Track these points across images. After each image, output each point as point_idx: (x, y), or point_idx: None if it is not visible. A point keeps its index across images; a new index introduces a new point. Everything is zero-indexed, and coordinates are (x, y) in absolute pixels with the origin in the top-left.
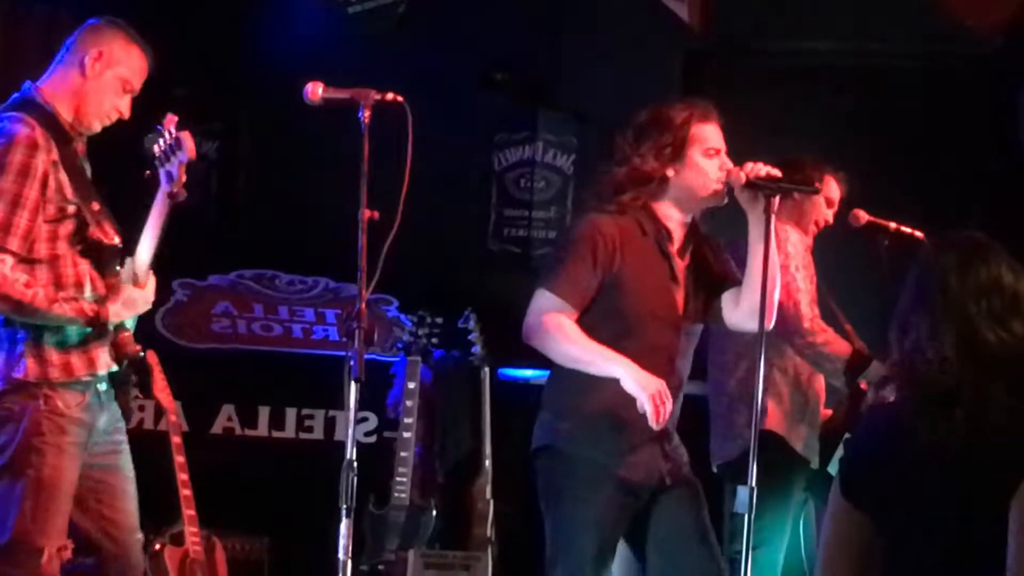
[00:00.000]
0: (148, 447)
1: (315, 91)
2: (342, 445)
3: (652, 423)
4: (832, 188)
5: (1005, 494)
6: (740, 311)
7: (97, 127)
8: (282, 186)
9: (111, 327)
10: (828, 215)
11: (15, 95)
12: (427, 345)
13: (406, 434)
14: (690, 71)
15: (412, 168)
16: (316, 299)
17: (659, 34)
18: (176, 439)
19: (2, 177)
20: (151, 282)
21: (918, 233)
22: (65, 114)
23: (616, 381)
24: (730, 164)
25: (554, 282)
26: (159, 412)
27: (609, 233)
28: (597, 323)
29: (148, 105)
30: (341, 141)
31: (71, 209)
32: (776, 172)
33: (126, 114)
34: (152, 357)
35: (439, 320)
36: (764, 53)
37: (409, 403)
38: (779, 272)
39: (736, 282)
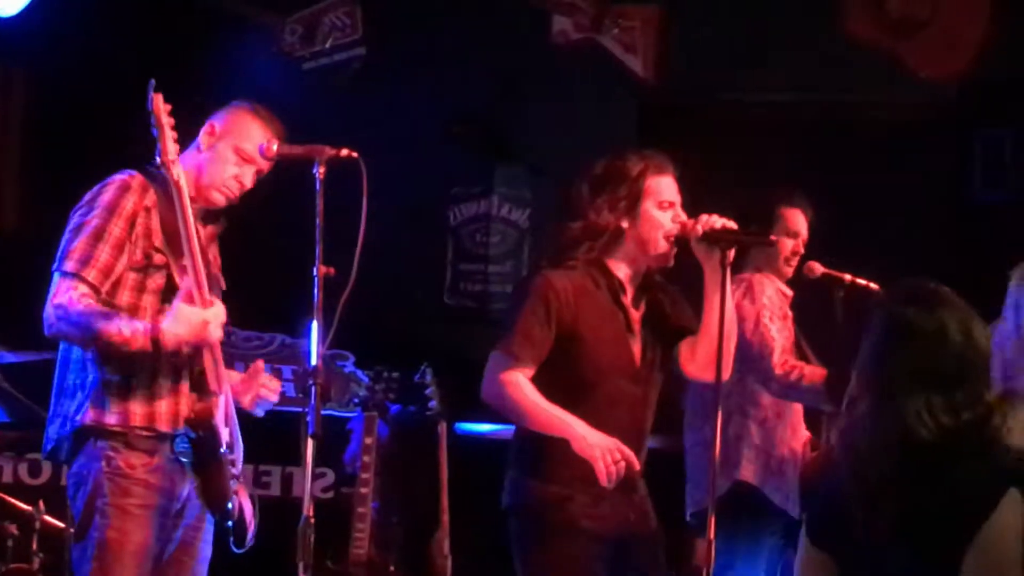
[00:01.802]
0: None
1: (269, 148)
2: (299, 501)
3: (602, 482)
4: (797, 220)
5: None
6: (696, 362)
7: (220, 199)
8: (238, 241)
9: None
10: (797, 245)
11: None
12: (384, 400)
13: (363, 490)
14: (645, 124)
15: (368, 223)
16: (272, 355)
17: (614, 88)
18: None
19: (90, 214)
20: (217, 305)
21: (873, 285)
22: (187, 185)
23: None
24: (684, 217)
25: (508, 340)
26: None
27: (561, 287)
28: (554, 379)
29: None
30: (297, 196)
31: (158, 259)
32: (731, 224)
33: (248, 184)
34: None
35: (396, 375)
36: (718, 105)
37: (366, 458)
38: (736, 323)
39: (692, 332)
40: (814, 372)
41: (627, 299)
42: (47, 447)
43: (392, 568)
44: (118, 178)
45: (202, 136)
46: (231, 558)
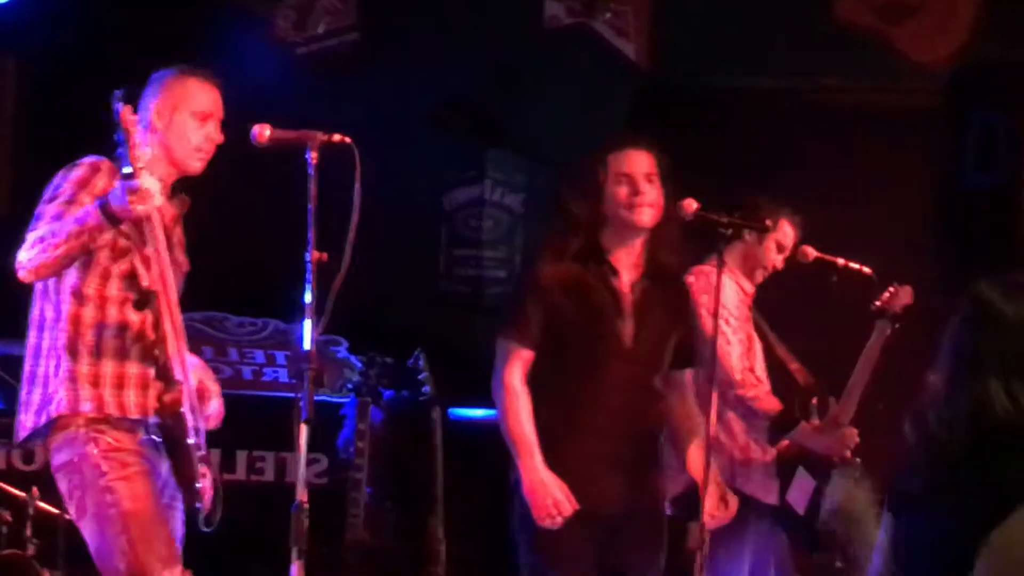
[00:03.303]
0: None
1: (262, 133)
2: (293, 487)
3: (537, 522)
4: (786, 233)
5: None
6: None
7: (199, 165)
8: (230, 228)
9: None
10: (778, 260)
11: None
12: (377, 386)
13: (357, 475)
14: (638, 109)
15: (361, 208)
16: (266, 341)
17: (607, 73)
18: None
19: (61, 187)
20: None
21: (866, 269)
22: (157, 169)
23: (570, 417)
24: (646, 187)
25: (507, 327)
26: None
27: (552, 274)
28: (548, 363)
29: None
30: (289, 182)
31: (122, 243)
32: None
33: (218, 138)
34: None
35: (389, 361)
36: (713, 90)
37: (360, 444)
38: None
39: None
40: (770, 401)
41: (621, 282)
42: (21, 435)
43: (386, 553)
44: (88, 160)
45: (153, 118)
46: (226, 543)
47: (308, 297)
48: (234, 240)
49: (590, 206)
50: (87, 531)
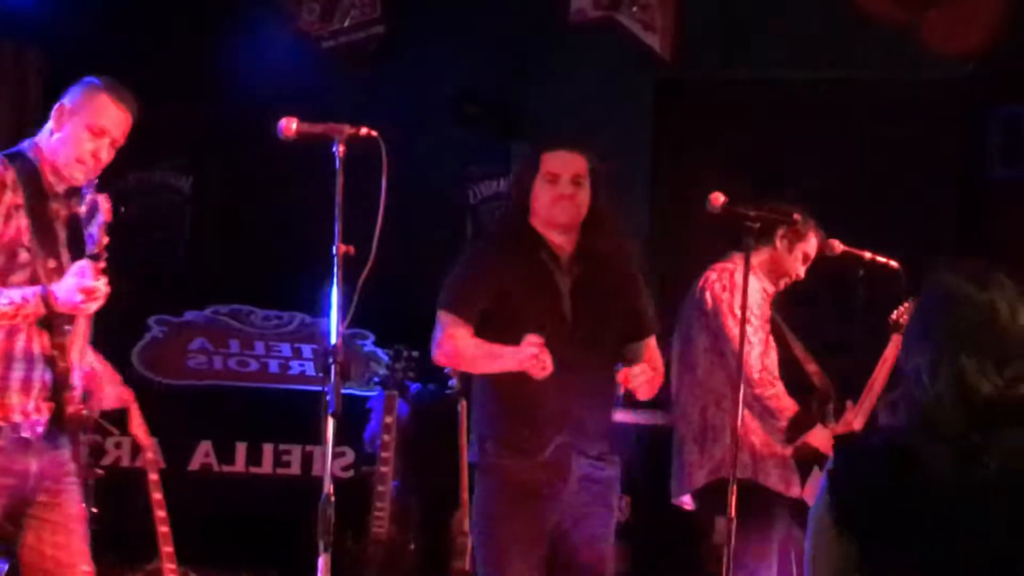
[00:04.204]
0: (125, 484)
1: (289, 126)
2: (319, 480)
3: (539, 376)
4: (812, 244)
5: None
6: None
7: (79, 177)
8: (256, 221)
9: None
10: (801, 271)
11: (14, 147)
12: (404, 379)
13: (383, 468)
14: (661, 102)
15: (387, 202)
16: (292, 334)
17: (630, 65)
18: (153, 476)
19: None
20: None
21: (893, 263)
22: (48, 171)
23: (518, 388)
24: (570, 190)
25: (448, 302)
26: (136, 449)
27: (491, 250)
28: (490, 340)
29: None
30: (315, 176)
31: (23, 257)
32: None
33: (104, 158)
34: (128, 394)
35: (415, 354)
36: (735, 83)
37: (386, 437)
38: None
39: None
40: (786, 401)
41: (560, 263)
42: None
43: (411, 546)
44: None
45: (53, 117)
46: (252, 535)
47: (334, 291)
48: (260, 234)
49: (522, 201)
50: None
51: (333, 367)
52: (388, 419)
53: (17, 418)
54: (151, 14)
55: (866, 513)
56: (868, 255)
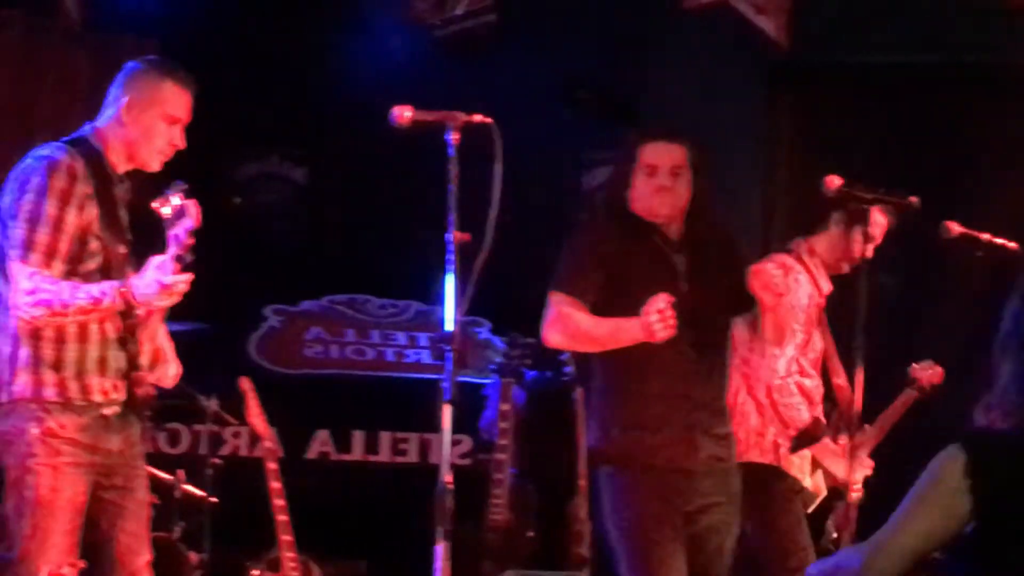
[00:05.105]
0: (244, 473)
1: (402, 114)
2: (437, 468)
3: (664, 337)
4: (877, 221)
5: None
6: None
7: (156, 165)
8: (371, 210)
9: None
10: (868, 250)
11: (74, 133)
12: (520, 366)
13: (501, 456)
14: (775, 86)
15: (501, 189)
16: (408, 322)
17: (744, 50)
18: (272, 465)
19: (45, 200)
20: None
21: (1012, 244)
22: (115, 157)
23: (638, 370)
24: (669, 182)
25: (560, 283)
26: (254, 438)
27: (600, 232)
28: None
29: (237, 133)
30: (429, 164)
31: (94, 245)
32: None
33: (181, 144)
34: (246, 383)
35: (531, 341)
36: (850, 66)
37: (503, 425)
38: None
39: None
40: (797, 416)
41: (672, 246)
42: None
43: (529, 534)
44: (63, 160)
45: (123, 112)
46: (370, 525)
47: (450, 278)
48: (375, 223)
49: (621, 194)
50: (6, 499)
51: (449, 355)
52: (504, 407)
53: (98, 397)
54: (265, 5)
55: (1006, 494)
56: (986, 237)
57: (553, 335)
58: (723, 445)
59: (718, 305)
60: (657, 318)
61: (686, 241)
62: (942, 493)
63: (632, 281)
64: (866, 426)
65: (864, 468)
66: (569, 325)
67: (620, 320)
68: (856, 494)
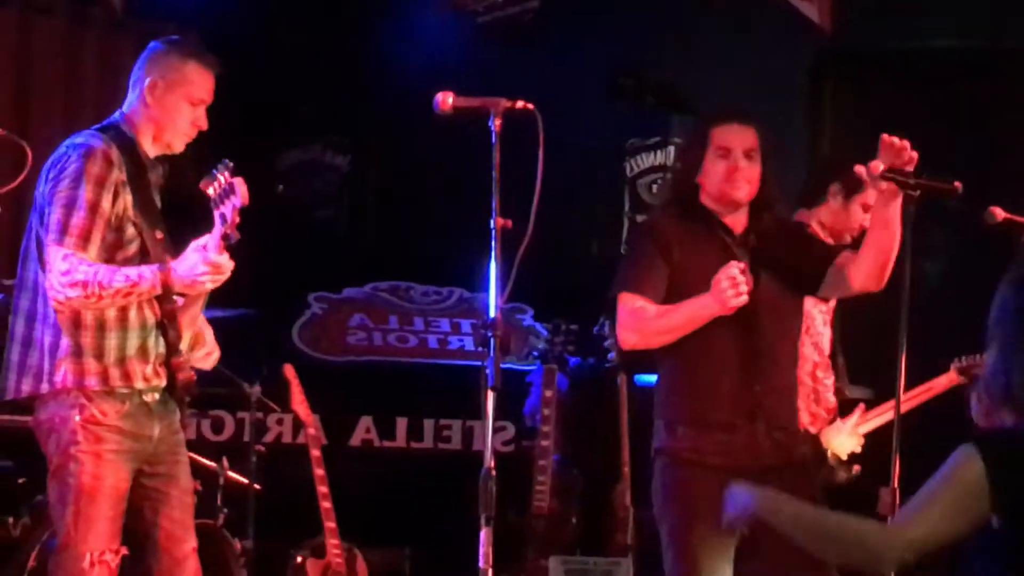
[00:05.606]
0: (287, 460)
1: (445, 101)
2: (480, 455)
3: (737, 304)
4: (871, 193)
5: None
6: (860, 274)
7: (180, 146)
8: (413, 197)
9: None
10: (866, 220)
11: (104, 120)
12: (563, 353)
13: (544, 442)
14: (819, 72)
15: (544, 176)
16: (451, 309)
17: (788, 35)
18: (315, 452)
19: (81, 185)
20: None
21: None
22: (145, 142)
23: (705, 365)
24: (744, 163)
25: (627, 283)
26: (298, 425)
27: (663, 228)
28: None
29: (280, 121)
30: (472, 150)
31: (130, 231)
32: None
33: (203, 125)
34: (290, 371)
35: (574, 327)
36: (892, 52)
37: (547, 411)
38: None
39: (834, 253)
40: (829, 397)
41: (736, 239)
42: (8, 396)
43: (573, 520)
44: (98, 147)
45: (147, 93)
46: (413, 511)
47: (493, 265)
48: (418, 210)
49: (690, 178)
50: (49, 487)
51: (492, 341)
52: (548, 393)
53: (140, 384)
54: None
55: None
56: None
57: (628, 336)
58: (789, 437)
59: (784, 297)
60: (728, 284)
61: (751, 232)
62: (958, 495)
63: (695, 276)
64: (861, 405)
65: (852, 441)
66: (642, 322)
67: (690, 300)
68: (851, 472)
